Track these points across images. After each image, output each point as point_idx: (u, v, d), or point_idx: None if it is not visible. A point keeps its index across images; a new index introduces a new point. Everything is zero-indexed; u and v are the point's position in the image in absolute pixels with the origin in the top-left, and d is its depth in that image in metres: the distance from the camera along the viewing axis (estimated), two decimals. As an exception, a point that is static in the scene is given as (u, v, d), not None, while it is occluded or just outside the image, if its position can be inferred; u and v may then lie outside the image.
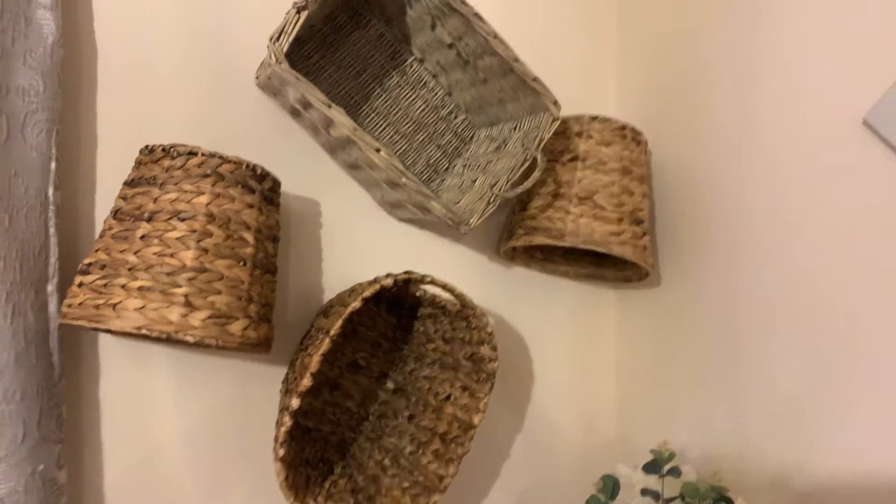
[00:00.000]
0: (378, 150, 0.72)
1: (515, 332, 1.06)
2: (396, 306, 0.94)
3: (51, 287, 0.71)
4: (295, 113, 0.85)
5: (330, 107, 0.69)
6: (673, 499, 0.77)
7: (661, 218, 1.01)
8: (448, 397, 0.85)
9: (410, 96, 0.95)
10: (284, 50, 0.67)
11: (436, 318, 0.88)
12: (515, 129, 0.88)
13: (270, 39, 0.67)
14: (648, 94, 1.04)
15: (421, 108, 0.95)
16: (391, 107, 0.93)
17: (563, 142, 0.92)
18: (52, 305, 0.71)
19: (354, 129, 0.71)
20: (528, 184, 0.78)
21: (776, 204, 0.83)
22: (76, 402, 0.77)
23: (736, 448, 0.86)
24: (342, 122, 0.70)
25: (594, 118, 0.93)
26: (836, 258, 0.76)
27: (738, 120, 0.87)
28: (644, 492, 0.77)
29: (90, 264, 0.67)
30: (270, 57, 0.67)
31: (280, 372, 0.89)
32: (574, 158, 0.91)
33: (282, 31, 0.67)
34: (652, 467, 0.78)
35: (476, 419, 0.80)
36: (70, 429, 0.76)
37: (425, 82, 0.95)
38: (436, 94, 0.96)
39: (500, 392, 1.00)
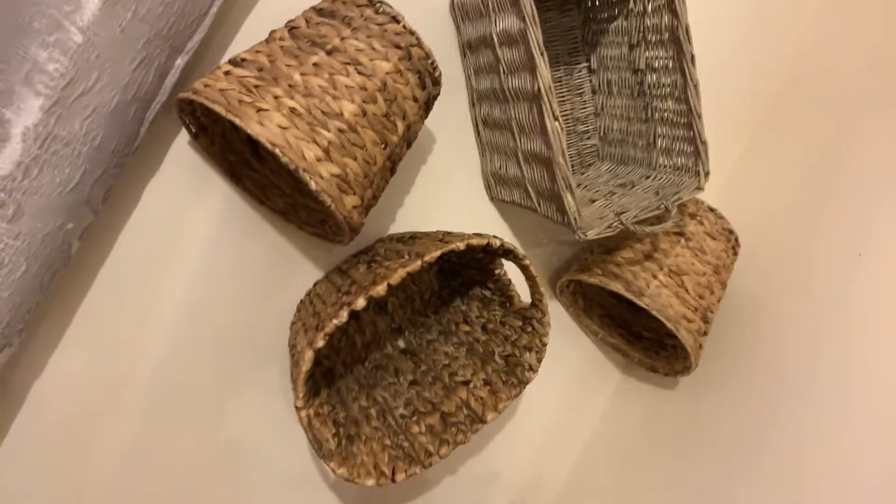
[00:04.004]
0: (556, 119, 0.69)
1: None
2: (448, 275, 0.90)
3: (180, 61, 0.65)
4: (472, 47, 0.82)
5: (543, 53, 0.67)
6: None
7: (712, 329, 1.01)
8: (467, 382, 0.80)
9: (563, 96, 0.93)
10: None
11: (488, 305, 0.84)
12: (650, 178, 0.87)
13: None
14: (755, 206, 1.05)
15: (565, 113, 0.94)
16: (543, 95, 0.91)
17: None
18: (171, 78, 0.65)
19: (550, 86, 0.68)
20: (657, 228, 0.77)
21: (834, 382, 0.83)
22: (123, 184, 0.69)
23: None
24: (543, 73, 0.67)
25: (712, 209, 0.94)
26: (857, 481, 0.76)
27: (838, 283, 0.89)
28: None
29: (245, 60, 0.61)
30: (523, -22, 0.64)
31: (313, 271, 0.83)
32: (679, 234, 0.91)
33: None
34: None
35: (490, 416, 0.76)
36: (108, 207, 0.68)
37: (583, 92, 0.94)
38: (586, 107, 0.95)
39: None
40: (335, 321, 0.61)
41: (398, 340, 0.89)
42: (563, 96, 0.93)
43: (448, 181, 0.91)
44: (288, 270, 0.81)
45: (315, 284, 0.82)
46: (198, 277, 0.76)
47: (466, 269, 0.86)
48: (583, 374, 1.10)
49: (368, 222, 0.85)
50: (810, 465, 0.81)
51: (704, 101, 1.05)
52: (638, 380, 1.10)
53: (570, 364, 1.09)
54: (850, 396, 0.81)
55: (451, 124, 0.88)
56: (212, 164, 0.74)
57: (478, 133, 0.89)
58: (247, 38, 0.74)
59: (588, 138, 0.96)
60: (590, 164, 0.97)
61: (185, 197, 0.74)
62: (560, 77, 0.93)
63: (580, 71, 0.94)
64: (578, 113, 0.95)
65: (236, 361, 0.80)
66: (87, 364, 0.72)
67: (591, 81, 0.94)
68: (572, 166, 0.96)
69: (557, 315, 1.06)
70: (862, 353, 0.82)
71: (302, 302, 0.81)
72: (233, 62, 0.61)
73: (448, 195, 0.91)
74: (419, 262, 0.64)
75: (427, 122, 0.86)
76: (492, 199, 0.93)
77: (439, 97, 0.84)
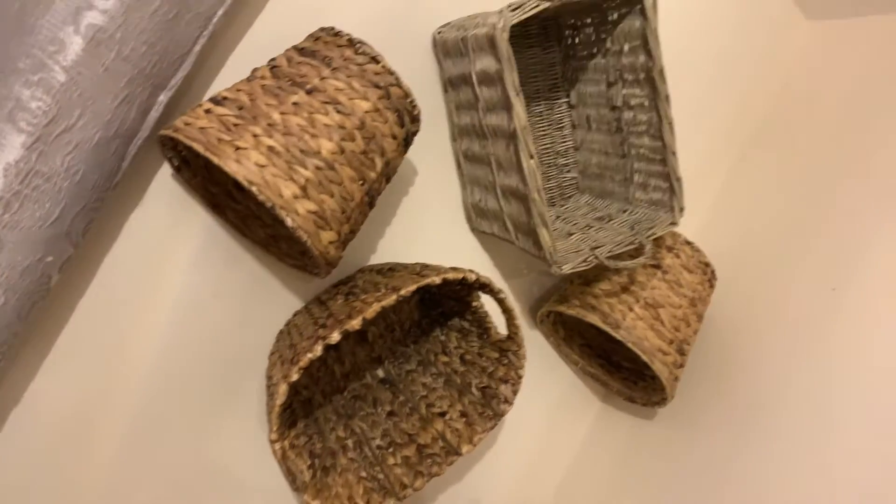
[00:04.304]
0: (531, 157, 0.71)
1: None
2: (428, 305, 0.91)
3: (163, 97, 0.66)
4: (453, 84, 0.84)
5: (518, 95, 0.69)
6: None
7: (689, 361, 1.02)
8: (443, 414, 0.81)
9: (544, 130, 0.95)
10: (513, 22, 0.67)
11: (466, 336, 0.85)
12: (626, 212, 0.89)
13: (508, 7, 0.67)
14: (731, 240, 1.07)
15: (546, 147, 0.96)
16: (524, 129, 0.93)
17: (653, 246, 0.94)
18: (154, 114, 0.66)
19: (525, 126, 0.70)
20: (630, 264, 0.78)
21: (806, 412, 0.84)
22: (105, 217, 0.70)
23: None
24: (519, 114, 0.69)
25: (688, 242, 0.95)
26: (850, 492, 0.77)
27: (811, 318, 0.91)
28: None
29: (226, 98, 0.62)
30: (499, 22, 0.66)
31: (293, 301, 0.84)
32: (656, 267, 0.93)
33: (520, 6, 0.67)
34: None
35: (465, 449, 0.77)
36: (88, 240, 0.68)
37: (563, 127, 0.96)
38: (566, 141, 0.97)
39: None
40: (309, 355, 0.62)
41: (377, 370, 0.90)
42: (543, 130, 0.95)
43: (430, 212, 0.92)
44: (268, 300, 0.82)
45: (295, 314, 0.83)
46: (179, 306, 0.77)
47: (446, 299, 0.87)
48: (563, 403, 1.11)
49: (351, 252, 0.86)
50: (779, 492, 0.82)
51: (685, 136, 1.07)
52: (618, 409, 1.11)
53: (552, 392, 1.10)
54: (821, 426, 0.82)
55: (433, 157, 0.90)
56: (194, 196, 0.76)
57: (459, 166, 0.91)
58: (231, 73, 0.75)
59: (568, 171, 0.98)
60: (569, 197, 0.99)
61: (167, 228, 0.75)
62: (541, 112, 0.95)
63: (560, 106, 0.96)
64: (559, 147, 0.97)
65: (217, 390, 0.81)
66: (66, 393, 0.72)
67: (571, 116, 0.96)
68: (552, 198, 0.98)
69: (539, 344, 1.07)
70: (834, 385, 0.83)
71: (281, 332, 0.82)
72: (214, 100, 0.62)
73: (430, 226, 0.93)
74: (394, 296, 0.65)
75: (410, 154, 0.88)
76: (473, 230, 0.95)
77: (422, 131, 0.86)
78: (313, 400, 0.85)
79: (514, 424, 1.06)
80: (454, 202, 0.94)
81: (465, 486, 1.03)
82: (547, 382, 1.09)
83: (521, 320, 1.04)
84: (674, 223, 0.84)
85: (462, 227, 0.95)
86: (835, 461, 0.79)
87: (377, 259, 0.89)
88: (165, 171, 0.74)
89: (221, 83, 0.75)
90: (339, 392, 0.87)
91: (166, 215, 0.75)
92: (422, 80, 0.87)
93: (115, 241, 0.73)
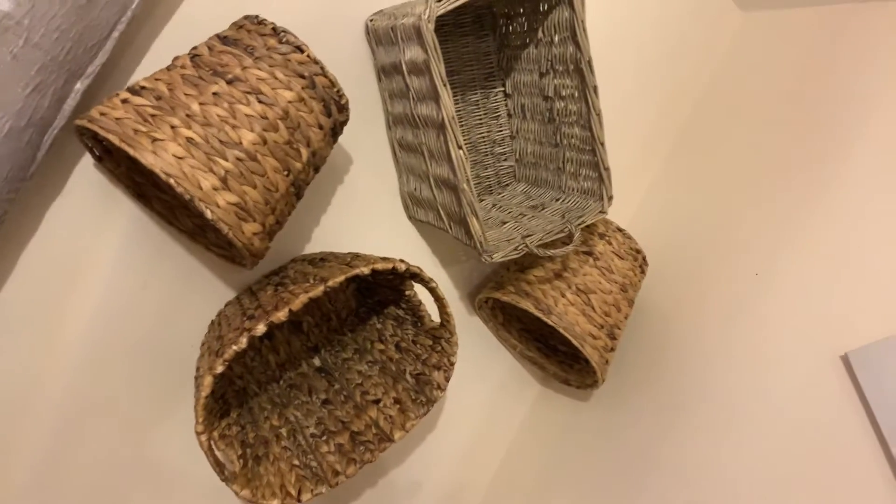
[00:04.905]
0: (460, 148, 0.72)
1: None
2: (365, 294, 0.91)
3: (79, 86, 0.64)
4: (385, 72, 0.84)
5: (445, 85, 0.69)
6: None
7: (622, 345, 1.06)
8: (377, 401, 0.82)
9: (480, 119, 0.96)
10: (438, 13, 0.67)
11: (401, 324, 0.86)
12: (559, 201, 0.91)
13: (434, -3, 0.67)
14: (663, 228, 1.10)
15: (482, 135, 0.97)
16: (460, 118, 0.94)
17: (584, 234, 0.96)
18: (70, 103, 0.64)
19: (453, 117, 0.70)
20: (558, 252, 0.80)
21: (733, 391, 0.88)
22: (22, 209, 0.69)
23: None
24: (447, 104, 0.70)
25: (620, 230, 0.98)
26: (763, 469, 0.81)
27: (732, 304, 0.94)
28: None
29: (144, 88, 0.61)
30: (424, 13, 0.66)
31: (225, 291, 0.83)
32: (588, 253, 0.95)
33: (446, -4, 0.67)
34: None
35: (397, 435, 0.78)
36: (2, 232, 0.67)
37: (499, 116, 0.97)
38: (502, 130, 0.98)
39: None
40: (234, 347, 0.62)
41: (314, 359, 0.90)
42: (480, 119, 0.96)
43: (367, 201, 0.92)
44: (200, 290, 0.81)
45: (226, 305, 0.82)
46: (107, 299, 0.75)
47: (382, 288, 0.88)
48: (503, 387, 1.13)
49: (286, 242, 0.86)
50: (706, 472, 0.86)
51: (619, 126, 1.10)
52: (556, 392, 1.14)
53: (492, 377, 1.12)
54: (746, 408, 0.86)
55: (369, 145, 0.90)
56: (118, 186, 0.74)
57: (395, 155, 0.91)
58: (157, 61, 0.73)
59: (505, 160, 0.99)
60: (507, 185, 1.00)
61: (91, 219, 0.73)
62: (477, 100, 0.95)
63: (496, 95, 0.96)
64: (495, 135, 0.98)
65: (149, 382, 0.80)
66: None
67: (506, 105, 0.97)
68: (490, 187, 0.99)
69: (478, 330, 1.09)
70: (758, 366, 0.87)
71: (212, 322, 0.81)
72: (131, 90, 0.61)
73: (367, 214, 0.93)
74: (322, 287, 0.65)
75: (346, 142, 0.88)
76: (410, 218, 0.95)
77: (358, 118, 0.86)
78: (248, 389, 0.85)
79: (455, 408, 1.08)
80: (391, 190, 0.94)
81: (406, 469, 1.05)
82: (487, 367, 1.11)
83: (461, 306, 1.05)
84: (602, 212, 0.86)
85: (400, 216, 0.96)
86: (760, 441, 0.83)
87: (313, 248, 0.89)
88: (87, 160, 0.72)
89: (145, 71, 0.73)
90: (274, 381, 0.87)
91: (90, 206, 0.73)
92: (356, 68, 0.86)
93: (35, 233, 0.71)
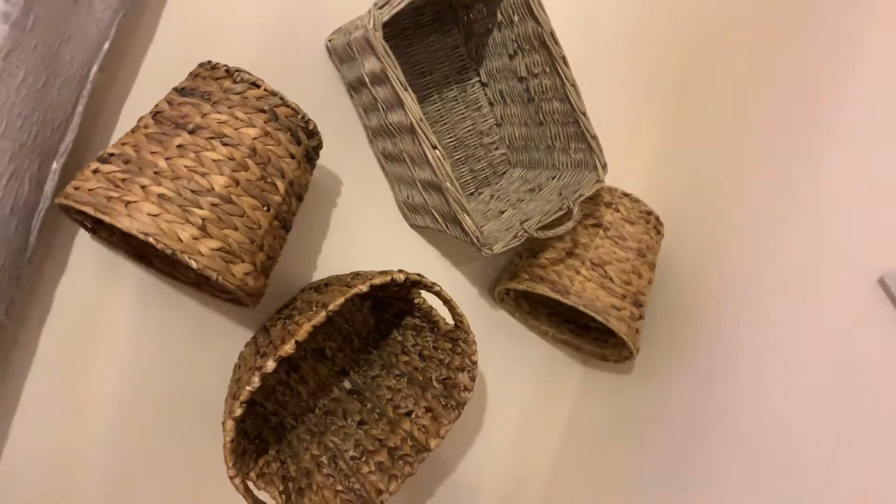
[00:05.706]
0: (434, 148, 0.71)
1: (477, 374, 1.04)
2: (381, 308, 0.91)
3: (56, 165, 0.67)
4: (354, 88, 0.84)
5: (406, 90, 0.68)
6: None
7: (653, 310, 1.02)
8: (409, 413, 0.82)
9: (462, 114, 0.95)
10: (384, 20, 0.66)
11: (420, 332, 0.86)
12: (555, 178, 0.89)
13: (375, 5, 0.66)
14: (676, 187, 1.06)
15: (467, 129, 0.95)
16: (441, 117, 0.93)
17: (590, 206, 0.93)
18: (50, 184, 0.66)
19: (420, 119, 0.70)
20: (559, 231, 0.78)
21: (770, 335, 0.84)
22: (29, 293, 0.71)
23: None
24: (411, 108, 0.69)
25: (626, 195, 0.95)
26: (812, 407, 0.77)
27: (757, 245, 0.90)
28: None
29: (113, 155, 0.63)
30: (369, 22, 0.66)
31: (242, 333, 0.85)
32: (597, 225, 0.92)
33: (387, 2, 0.67)
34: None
35: (433, 444, 0.77)
36: (13, 318, 0.69)
37: (480, 106, 0.96)
38: (486, 120, 0.96)
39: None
40: (248, 388, 0.63)
41: (344, 382, 0.90)
42: (461, 113, 0.95)
43: (366, 217, 0.92)
44: (217, 337, 0.83)
45: (245, 345, 0.83)
46: (127, 364, 0.77)
47: (394, 300, 0.87)
48: (543, 375, 1.11)
49: (291, 274, 0.86)
50: (752, 414, 0.82)
51: (610, 93, 1.07)
52: (598, 370, 1.11)
53: (530, 366, 1.10)
54: (781, 342, 0.82)
55: (354, 163, 0.90)
56: (118, 252, 0.76)
57: (382, 167, 0.91)
58: (129, 123, 0.75)
59: (496, 149, 0.98)
60: (503, 174, 0.99)
61: (98, 289, 0.76)
62: (455, 96, 0.94)
63: (473, 86, 0.95)
64: (481, 126, 0.96)
65: (184, 437, 0.81)
66: (32, 460, 0.73)
67: (486, 94, 0.96)
68: (486, 178, 0.98)
69: (506, 322, 1.07)
70: (789, 302, 0.83)
71: (235, 365, 0.82)
72: (100, 159, 0.62)
73: (369, 231, 0.93)
74: (323, 313, 0.65)
75: (330, 164, 0.88)
76: (411, 226, 0.95)
77: (339, 137, 0.86)
78: (285, 423, 0.86)
79: (497, 406, 1.07)
80: (387, 202, 0.94)
81: (462, 474, 1.04)
82: (523, 358, 1.09)
83: (482, 302, 1.04)
84: (599, 181, 0.83)
85: (402, 226, 0.95)
86: (804, 380, 0.80)
87: (321, 274, 0.89)
88: (84, 234, 0.74)
89: (121, 133, 0.75)
90: (310, 411, 0.88)
91: (94, 277, 0.75)
92: (326, 90, 0.87)
93: (49, 312, 0.73)
